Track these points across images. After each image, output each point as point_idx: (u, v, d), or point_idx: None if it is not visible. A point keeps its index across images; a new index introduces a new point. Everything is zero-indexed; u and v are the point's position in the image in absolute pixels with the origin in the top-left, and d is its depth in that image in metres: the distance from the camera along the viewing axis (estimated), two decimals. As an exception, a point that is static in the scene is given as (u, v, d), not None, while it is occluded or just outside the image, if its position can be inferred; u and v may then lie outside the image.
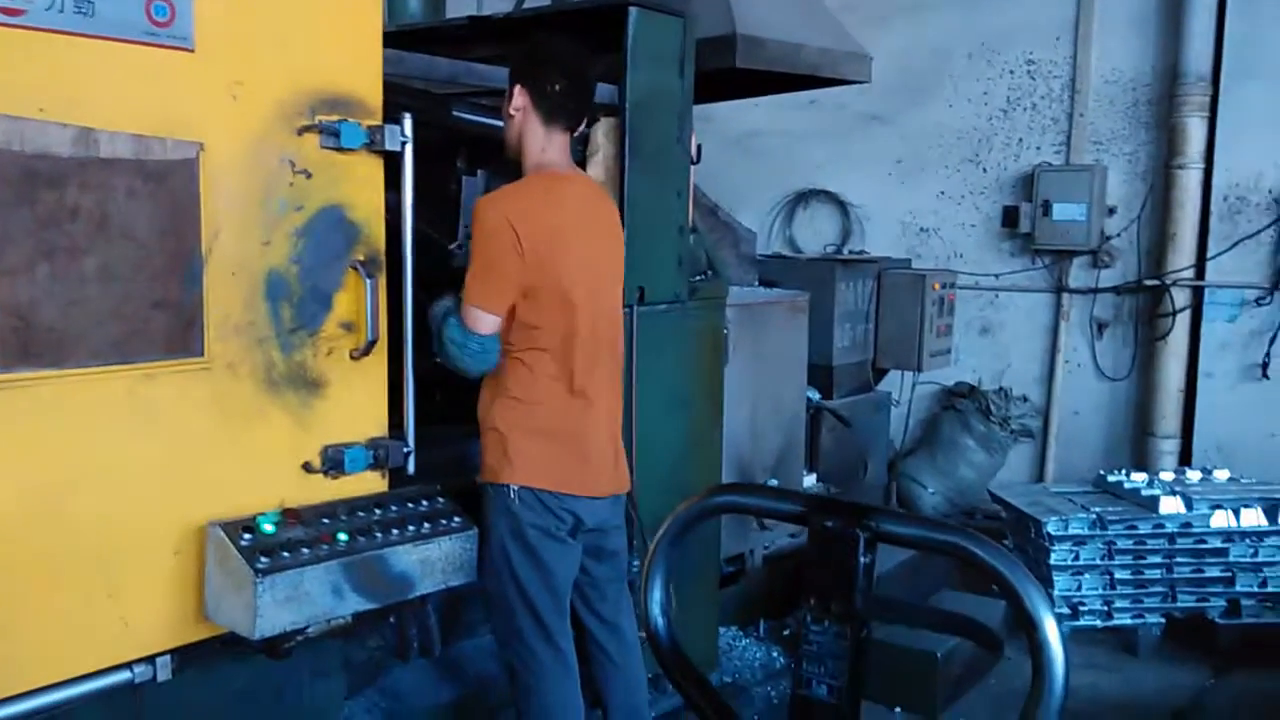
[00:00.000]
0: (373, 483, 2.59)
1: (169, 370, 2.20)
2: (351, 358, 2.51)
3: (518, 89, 2.76)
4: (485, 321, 2.64)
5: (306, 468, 2.46)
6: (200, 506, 2.27)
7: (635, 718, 3.03)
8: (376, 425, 2.60)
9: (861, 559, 1.32)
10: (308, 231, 2.41)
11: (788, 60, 4.63)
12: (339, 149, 2.41)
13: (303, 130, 2.36)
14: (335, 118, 2.40)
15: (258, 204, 2.32)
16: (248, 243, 2.31)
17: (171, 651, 2.25)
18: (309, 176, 2.39)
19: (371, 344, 2.51)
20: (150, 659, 2.22)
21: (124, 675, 2.19)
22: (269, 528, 2.28)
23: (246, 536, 2.23)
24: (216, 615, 2.24)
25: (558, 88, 2.74)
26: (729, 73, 4.43)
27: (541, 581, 2.74)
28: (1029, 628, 1.20)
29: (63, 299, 2.04)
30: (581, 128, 2.91)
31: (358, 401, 2.56)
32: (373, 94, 2.50)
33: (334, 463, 2.49)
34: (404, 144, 2.51)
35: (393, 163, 2.54)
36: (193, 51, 2.18)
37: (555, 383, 2.73)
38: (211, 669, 2.41)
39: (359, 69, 2.48)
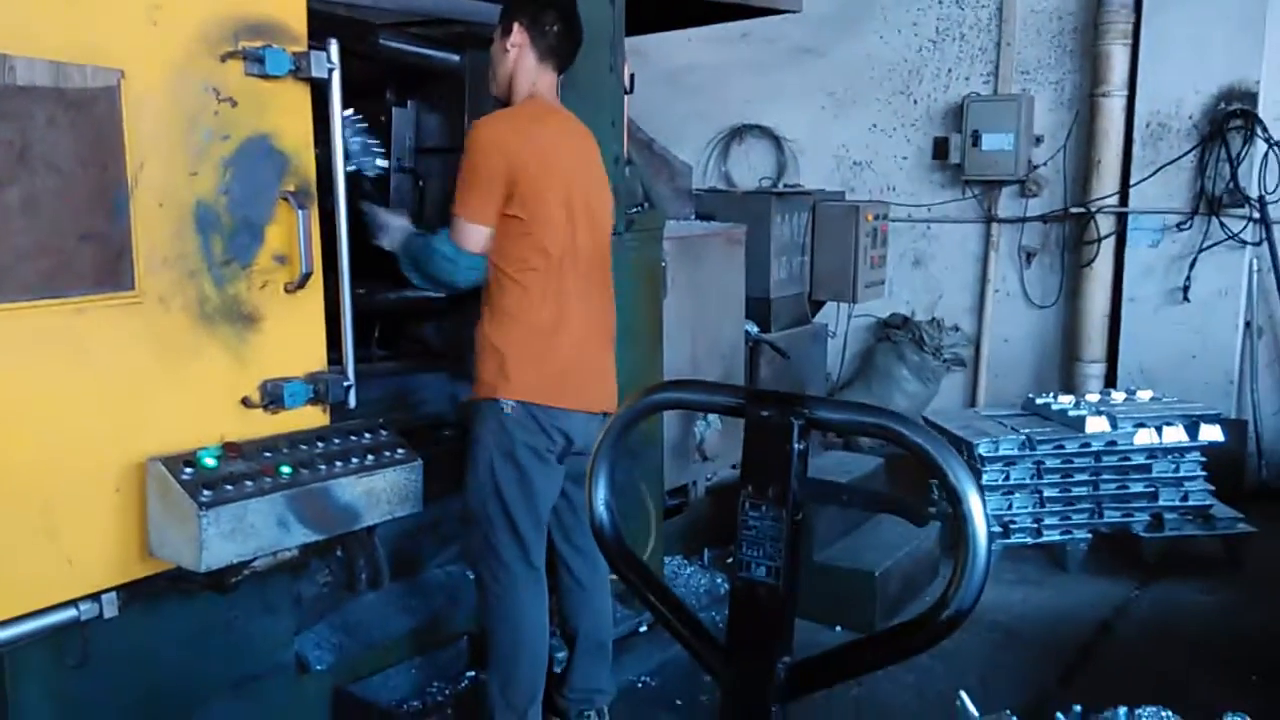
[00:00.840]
0: (314, 417, 2.57)
1: (100, 305, 2.16)
2: (286, 290, 2.48)
3: (516, 26, 2.86)
4: (478, 234, 2.75)
5: (245, 403, 2.44)
6: (139, 442, 2.23)
7: (601, 645, 3.11)
8: (315, 359, 2.57)
9: (796, 445, 1.36)
10: (235, 161, 2.35)
11: (719, -12, 4.59)
12: (264, 76, 2.36)
13: (226, 57, 2.32)
14: (259, 44, 2.35)
15: (182, 133, 2.27)
16: (174, 173, 2.26)
17: (117, 589, 2.23)
18: (234, 105, 2.34)
19: (306, 276, 2.47)
20: (95, 596, 2.20)
21: (70, 613, 2.17)
22: (210, 461, 2.25)
23: (188, 471, 2.20)
24: (161, 550, 2.21)
25: (555, 29, 2.88)
26: (660, 2, 4.38)
27: (525, 500, 2.82)
28: (954, 500, 1.25)
29: None
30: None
31: (295, 335, 2.53)
32: (297, 20, 2.45)
33: (273, 397, 2.46)
34: (330, 71, 2.46)
35: (320, 91, 2.49)
36: None
37: (550, 300, 2.82)
38: (158, 606, 2.40)
39: None
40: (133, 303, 2.21)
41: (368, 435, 2.60)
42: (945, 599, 1.26)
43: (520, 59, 2.88)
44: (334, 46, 2.46)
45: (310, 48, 2.44)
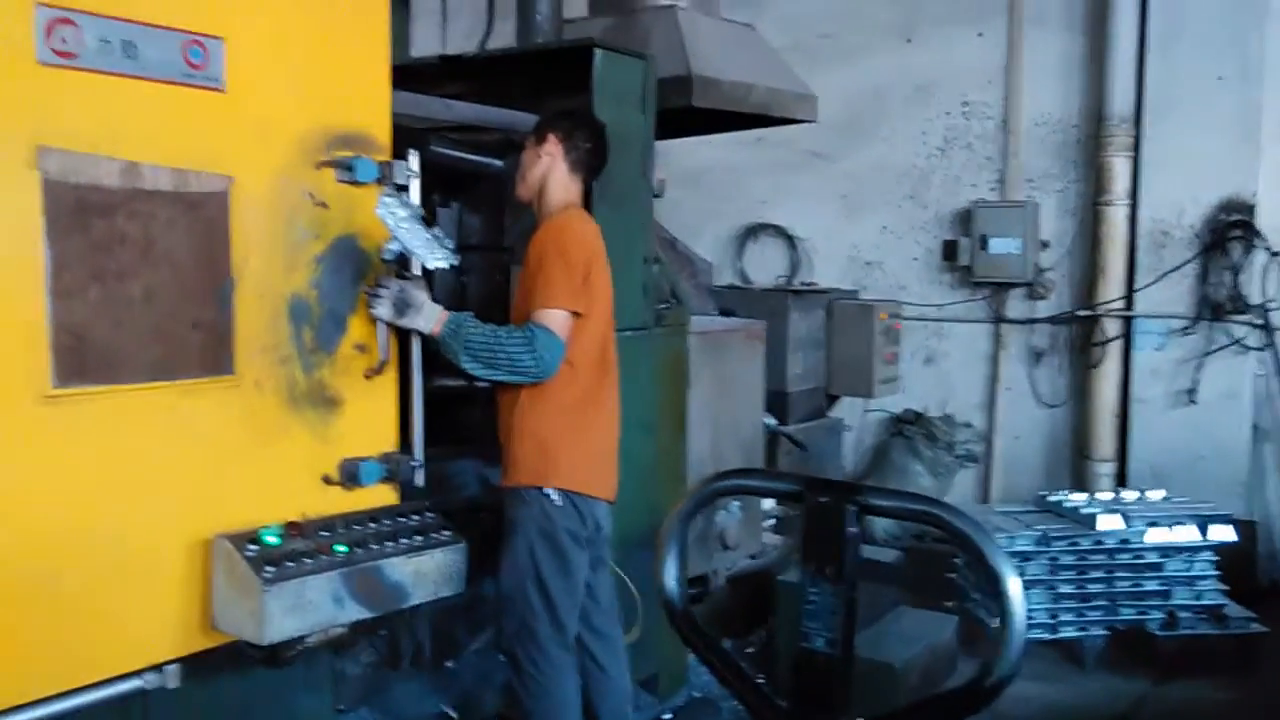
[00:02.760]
0: (385, 495, 2.73)
1: (204, 387, 2.35)
2: (365, 377, 2.66)
3: (551, 137, 3.08)
4: (567, 323, 2.89)
5: (326, 480, 2.60)
6: (230, 516, 2.39)
7: None
8: (388, 441, 2.74)
9: (850, 529, 1.48)
10: (325, 258, 2.58)
11: (740, 99, 4.84)
12: (354, 182, 2.58)
13: (321, 165, 2.54)
14: (350, 154, 2.58)
15: (281, 233, 2.49)
16: (273, 269, 2.48)
17: (180, 660, 2.32)
18: (326, 208, 2.56)
19: (383, 364, 2.67)
20: (159, 667, 2.29)
21: (135, 683, 2.25)
22: (273, 539, 2.36)
23: (252, 548, 2.31)
24: (224, 624, 2.31)
25: (587, 144, 3.11)
26: (685, 111, 4.62)
27: (565, 585, 2.93)
28: (994, 582, 1.37)
29: (112, 319, 2.18)
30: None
31: (371, 418, 2.71)
32: (383, 132, 2.69)
33: (350, 475, 2.62)
34: (410, 178, 2.68)
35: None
36: (224, 92, 2.35)
37: (592, 392, 3.00)
38: (215, 679, 2.48)
39: (371, 108, 2.67)
40: (232, 386, 2.41)
41: (415, 517, 2.71)
42: (989, 668, 1.37)
43: (553, 168, 3.11)
44: (414, 157, 2.69)
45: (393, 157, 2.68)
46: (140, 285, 2.22)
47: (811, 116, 5.37)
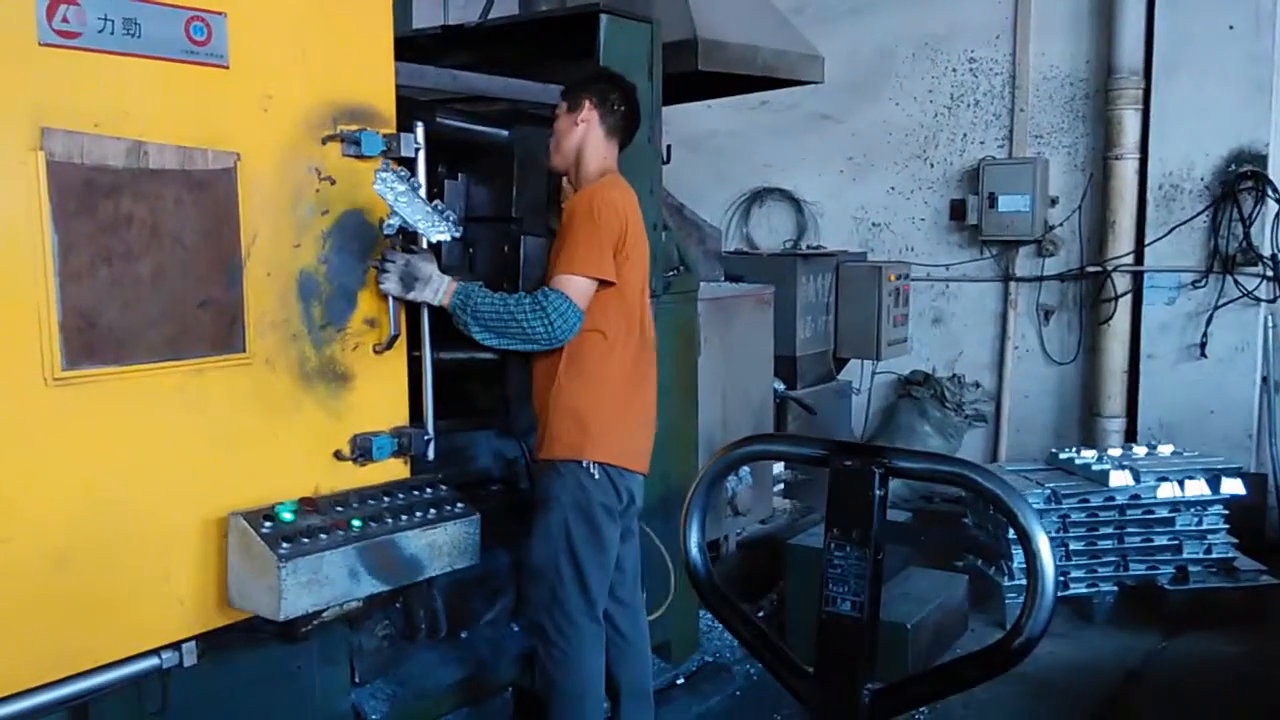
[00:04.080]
0: (397, 469, 2.75)
1: (215, 366, 2.35)
2: (375, 352, 2.67)
3: (587, 103, 3.02)
4: (588, 289, 2.84)
5: (338, 455, 2.62)
6: (243, 493, 2.41)
7: (644, 694, 3.20)
8: (399, 415, 2.76)
9: (877, 492, 1.49)
10: (333, 234, 2.57)
11: (746, 62, 4.81)
12: (360, 156, 2.57)
13: (326, 140, 2.53)
14: (355, 127, 2.57)
15: (288, 209, 2.48)
16: (281, 245, 2.47)
17: (197, 637, 2.35)
18: (333, 183, 2.55)
19: (393, 339, 2.67)
20: (176, 645, 2.32)
21: (153, 661, 2.29)
22: (288, 515, 2.38)
23: (267, 524, 2.34)
24: (240, 601, 2.34)
25: (622, 107, 3.05)
26: (691, 75, 4.59)
27: (597, 557, 2.94)
28: (1024, 539, 1.38)
29: (121, 300, 2.17)
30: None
31: (382, 393, 2.72)
32: (387, 105, 2.68)
33: (362, 450, 2.64)
34: (417, 150, 2.68)
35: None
36: (228, 68, 2.33)
37: (630, 365, 2.97)
38: (231, 656, 2.51)
39: (375, 81, 2.65)
40: (243, 364, 2.41)
41: (429, 490, 2.73)
42: (1019, 626, 1.38)
43: (589, 134, 3.04)
44: (420, 129, 2.68)
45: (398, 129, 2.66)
46: (148, 265, 2.21)
47: (818, 78, 5.33)
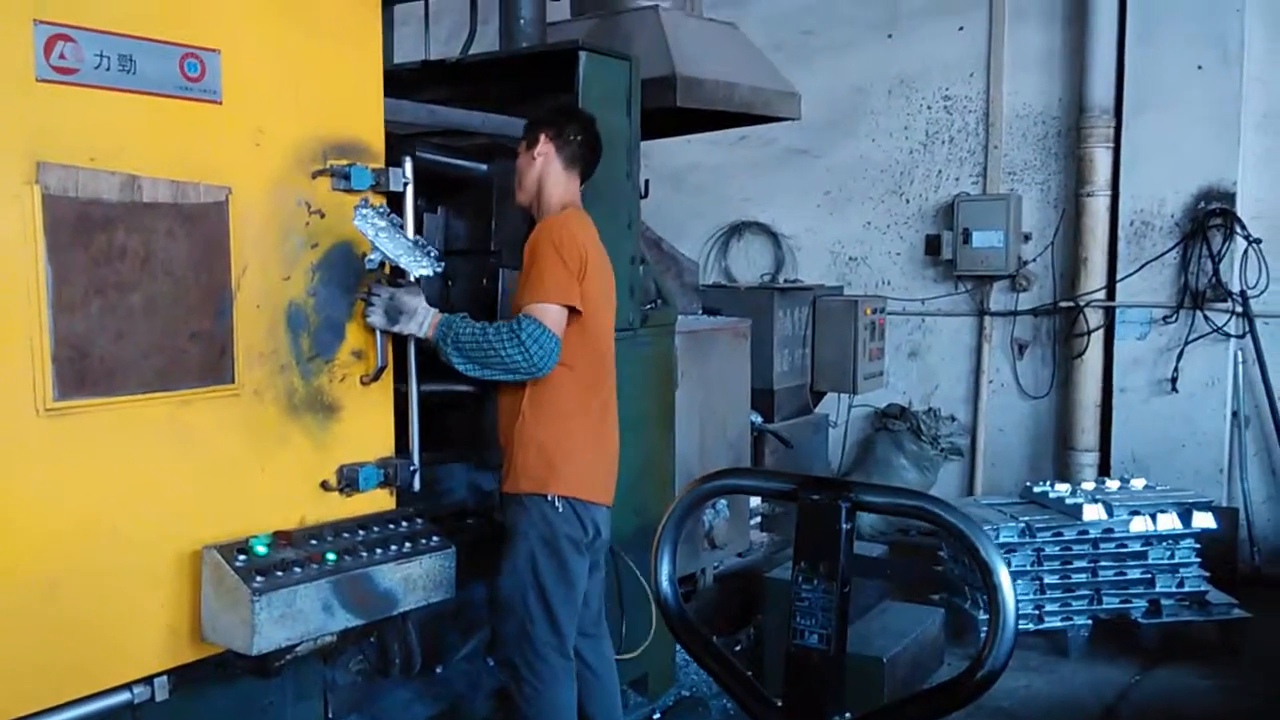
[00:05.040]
0: (383, 500, 2.77)
1: (204, 397, 2.38)
2: (362, 383, 2.71)
3: (542, 137, 3.03)
4: (561, 318, 2.84)
5: (324, 486, 2.64)
6: (231, 524, 2.43)
7: None
8: (385, 446, 2.78)
9: (843, 526, 1.51)
10: (322, 267, 2.61)
11: (724, 99, 4.86)
12: (349, 190, 2.62)
13: (316, 174, 2.58)
14: (345, 162, 2.62)
15: (278, 242, 2.52)
16: (270, 278, 2.51)
17: (169, 672, 2.33)
18: (322, 216, 2.59)
19: (380, 370, 2.71)
20: (149, 679, 2.30)
21: (124, 696, 2.26)
22: (262, 549, 2.38)
23: (241, 558, 2.33)
24: (213, 634, 2.32)
25: (578, 138, 3.05)
26: (669, 111, 4.64)
27: (565, 591, 2.93)
28: (985, 573, 1.39)
29: (113, 332, 2.21)
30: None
31: (369, 424, 2.74)
32: (376, 139, 2.73)
33: (349, 481, 2.66)
34: (405, 185, 2.72)
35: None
36: (220, 104, 2.38)
37: (592, 398, 2.98)
38: (203, 690, 2.49)
39: (364, 117, 2.70)
40: (232, 395, 2.44)
41: (404, 524, 2.73)
42: (980, 660, 1.39)
43: (547, 167, 3.06)
44: (408, 163, 2.71)
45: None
46: (140, 297, 2.25)
47: (795, 114, 5.39)
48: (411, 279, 2.74)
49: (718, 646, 1.68)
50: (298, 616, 2.34)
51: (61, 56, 2.10)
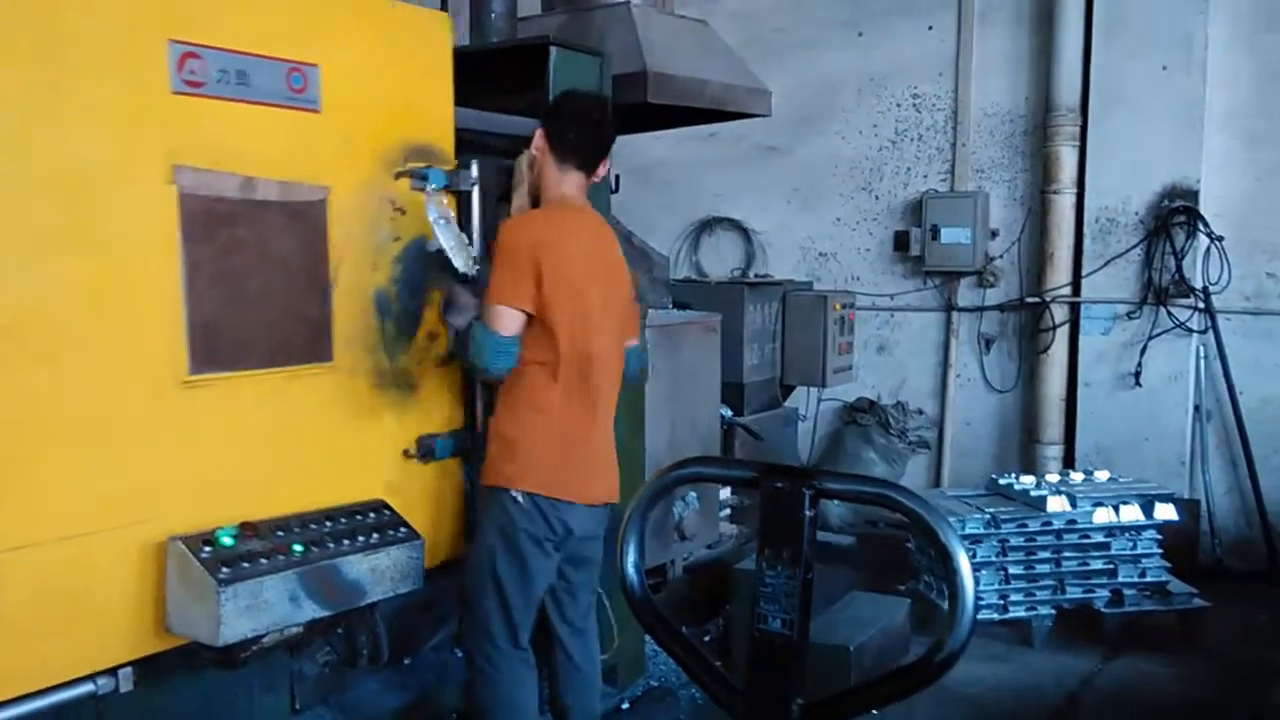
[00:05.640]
0: (453, 469, 3.15)
1: (308, 373, 2.74)
2: (437, 364, 3.02)
3: (539, 133, 3.05)
4: (509, 319, 2.87)
5: (405, 454, 3.00)
6: (330, 490, 2.78)
7: (588, 717, 3.19)
8: (457, 419, 3.16)
9: (806, 513, 1.53)
10: (403, 258, 2.95)
11: (695, 95, 4.89)
12: (424, 190, 2.93)
13: (398, 175, 2.92)
14: (422, 164, 2.95)
15: (367, 235, 2.87)
16: (361, 268, 2.86)
17: (133, 663, 2.34)
18: (403, 213, 2.94)
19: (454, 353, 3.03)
20: (113, 671, 2.30)
21: (88, 687, 2.26)
22: (228, 540, 2.39)
23: (206, 549, 2.34)
24: (179, 626, 2.33)
25: (571, 134, 3.02)
26: (640, 107, 4.66)
27: (521, 586, 2.94)
28: (944, 558, 1.42)
29: (235, 314, 2.54)
30: (601, 170, 3.15)
31: (443, 399, 3.09)
32: (448, 143, 3.09)
33: (427, 450, 3.03)
34: (473, 184, 3.02)
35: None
36: (319, 112, 2.72)
37: (562, 396, 2.93)
38: (168, 682, 2.49)
39: (437, 124, 3.07)
40: (330, 372, 2.80)
41: (372, 515, 2.74)
42: (940, 643, 1.43)
43: (543, 163, 3.05)
44: (475, 165, 3.02)
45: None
46: (257, 284, 2.58)
47: (765, 111, 5.42)
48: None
49: (682, 633, 1.71)
50: (264, 607, 2.35)
51: (191, 72, 2.41)
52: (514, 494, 2.91)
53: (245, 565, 2.35)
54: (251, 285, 2.55)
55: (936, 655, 1.44)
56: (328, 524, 2.62)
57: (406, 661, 3.36)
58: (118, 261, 2.32)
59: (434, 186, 2.89)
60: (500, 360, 2.87)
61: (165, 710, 2.54)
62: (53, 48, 2.19)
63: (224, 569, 2.30)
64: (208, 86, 2.44)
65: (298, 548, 2.48)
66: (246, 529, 2.45)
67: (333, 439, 2.78)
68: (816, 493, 1.55)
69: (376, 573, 2.62)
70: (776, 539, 1.56)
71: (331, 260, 2.74)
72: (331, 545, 2.55)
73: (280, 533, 2.50)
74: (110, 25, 2.27)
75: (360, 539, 2.62)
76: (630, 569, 1.68)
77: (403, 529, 2.74)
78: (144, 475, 2.37)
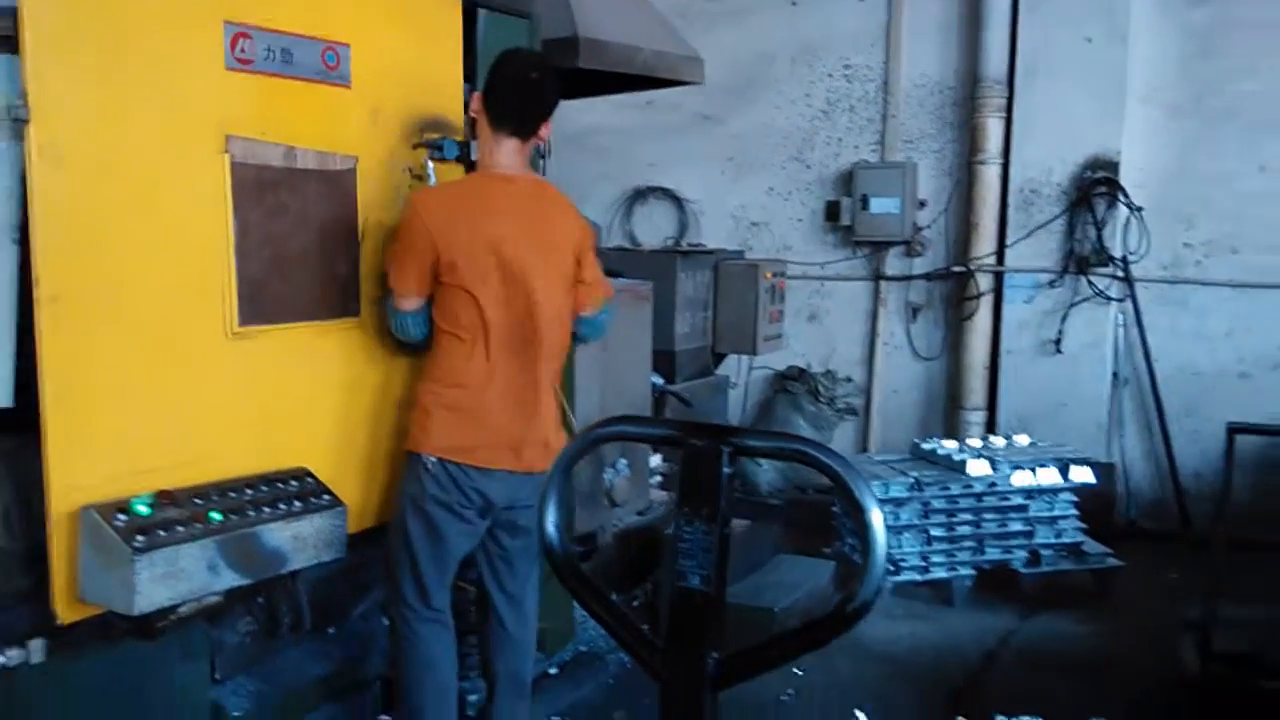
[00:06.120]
0: None
1: (338, 328, 2.98)
2: None
3: (476, 96, 2.99)
4: (400, 298, 2.94)
5: None
6: (354, 432, 3.05)
7: (521, 684, 3.21)
8: None
9: (724, 470, 1.55)
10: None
11: (626, 61, 4.85)
12: (440, 160, 3.12)
13: (416, 145, 3.12)
14: (437, 136, 3.15)
15: (390, 202, 3.07)
16: (384, 231, 3.04)
17: (45, 634, 2.30)
18: (422, 181, 3.13)
19: None
20: (22, 642, 2.26)
21: (-4, 659, 2.23)
22: (143, 508, 2.35)
23: (121, 517, 2.30)
24: (92, 595, 2.29)
25: (505, 97, 2.93)
26: (572, 73, 4.62)
27: (431, 551, 2.94)
28: (856, 511, 1.46)
29: (278, 273, 2.76)
30: (544, 133, 3.04)
31: None
32: (458, 116, 3.27)
33: None
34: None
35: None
36: (349, 88, 2.94)
37: (483, 365, 2.90)
38: (82, 653, 2.46)
39: (449, 98, 3.26)
40: (357, 327, 3.04)
41: (294, 482, 2.72)
42: (852, 593, 1.46)
43: (480, 127, 2.98)
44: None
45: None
46: (297, 245, 2.81)
47: (698, 79, 5.41)
48: None
49: (600, 589, 1.72)
50: (181, 576, 2.33)
51: (242, 50, 2.63)
52: (424, 459, 2.90)
53: (162, 533, 2.31)
54: (293, 247, 2.79)
55: (849, 605, 1.48)
56: (248, 492, 2.58)
57: (331, 630, 3.35)
58: (179, 224, 2.55)
59: (448, 157, 3.11)
60: (408, 331, 2.97)
61: (80, 682, 2.49)
62: (123, 32, 2.41)
63: (139, 537, 2.26)
64: (256, 64, 2.67)
65: (216, 515, 2.44)
66: (163, 497, 2.41)
67: (360, 388, 3.03)
68: (735, 450, 1.57)
69: (298, 541, 2.60)
70: (695, 496, 1.57)
71: (360, 224, 2.98)
72: (252, 513, 2.52)
73: (198, 500, 2.47)
74: (172, 10, 2.51)
75: (281, 507, 2.59)
76: (550, 527, 1.69)
77: (325, 496, 2.72)
78: (194, 421, 2.61)
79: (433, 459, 2.90)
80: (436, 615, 3.00)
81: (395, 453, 3.16)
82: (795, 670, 4.11)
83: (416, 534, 2.93)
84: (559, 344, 3.10)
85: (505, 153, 2.96)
